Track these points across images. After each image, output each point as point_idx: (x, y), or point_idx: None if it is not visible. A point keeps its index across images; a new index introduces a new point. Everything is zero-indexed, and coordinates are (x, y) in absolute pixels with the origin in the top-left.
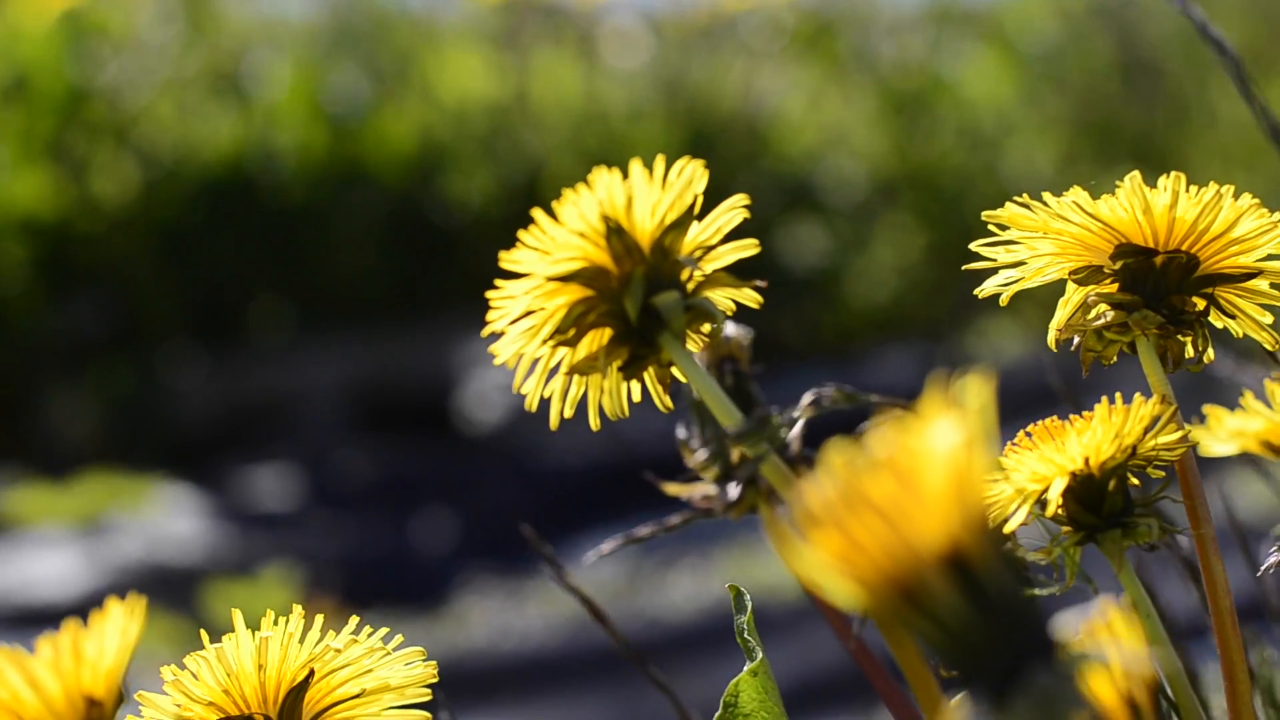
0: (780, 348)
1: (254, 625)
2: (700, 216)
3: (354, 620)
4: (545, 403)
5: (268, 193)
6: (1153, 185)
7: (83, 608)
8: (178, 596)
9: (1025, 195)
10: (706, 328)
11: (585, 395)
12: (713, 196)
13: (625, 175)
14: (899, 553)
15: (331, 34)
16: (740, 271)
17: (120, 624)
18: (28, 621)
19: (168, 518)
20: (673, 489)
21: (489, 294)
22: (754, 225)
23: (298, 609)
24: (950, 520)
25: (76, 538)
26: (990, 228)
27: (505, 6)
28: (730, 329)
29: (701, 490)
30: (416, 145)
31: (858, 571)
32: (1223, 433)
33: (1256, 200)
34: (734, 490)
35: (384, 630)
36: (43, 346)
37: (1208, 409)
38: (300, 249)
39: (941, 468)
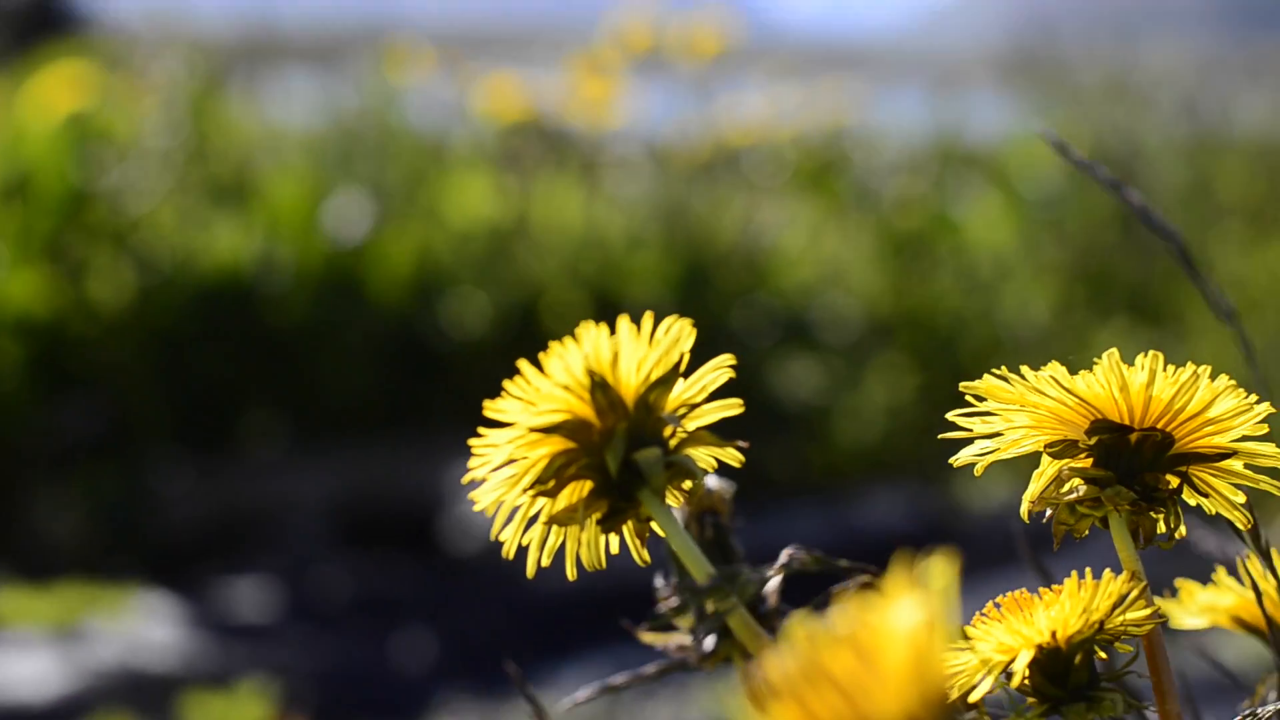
0: (770, 484)
1: None
2: (689, 371)
3: None
4: (524, 549)
5: (264, 305)
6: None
7: (56, 712)
8: (153, 705)
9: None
10: (687, 484)
11: (564, 544)
12: (709, 329)
13: (613, 330)
14: None
15: (337, 148)
16: (741, 402)
17: None
18: None
19: (146, 625)
20: (648, 638)
21: (471, 442)
22: (748, 359)
23: None
24: (908, 700)
25: (53, 641)
26: (968, 398)
27: (511, 130)
28: (713, 482)
29: (677, 640)
30: (415, 265)
31: None
32: (1194, 606)
33: (1232, 382)
34: (709, 641)
35: None
36: (30, 447)
37: (1180, 583)
38: (294, 363)
39: (902, 646)
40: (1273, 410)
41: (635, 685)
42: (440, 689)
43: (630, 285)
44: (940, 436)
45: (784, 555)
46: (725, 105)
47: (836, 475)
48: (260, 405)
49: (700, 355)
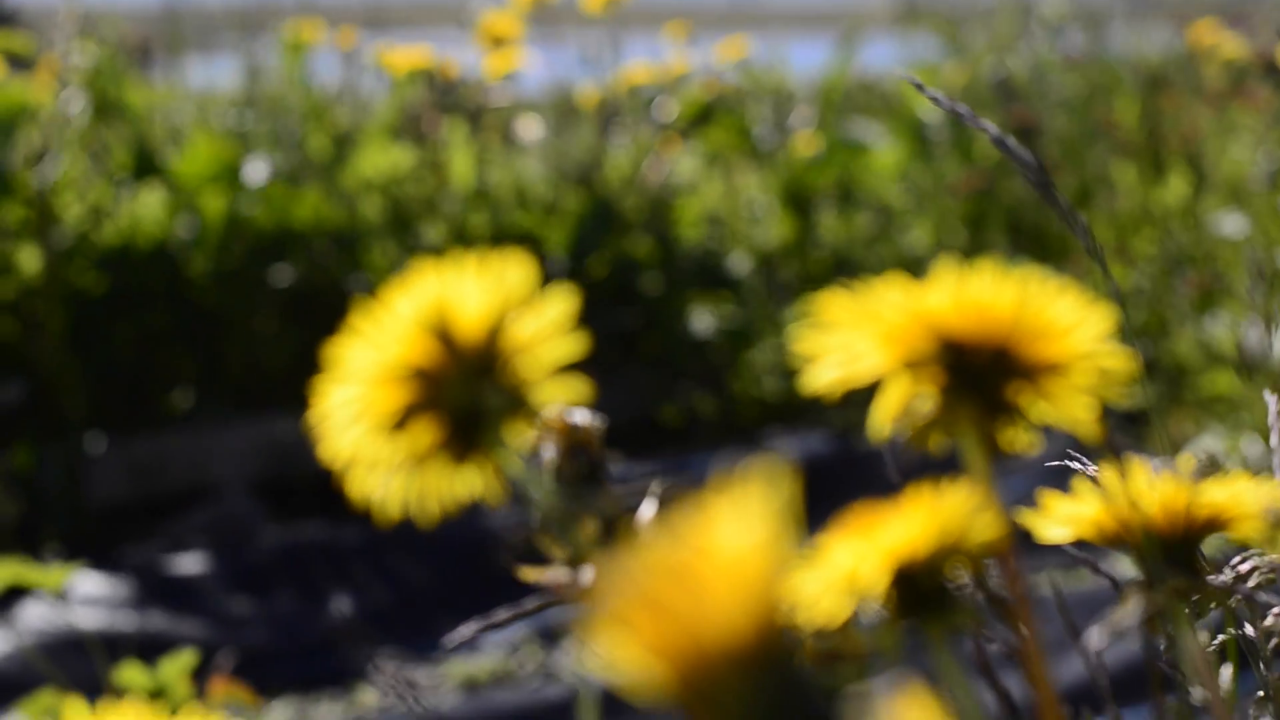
0: (696, 425)
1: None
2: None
3: (198, 713)
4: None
5: (179, 268)
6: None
7: None
8: (83, 672)
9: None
10: (535, 419)
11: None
12: (616, 275)
13: (459, 266)
14: (690, 648)
15: (247, 113)
16: (649, 351)
17: None
18: None
19: (75, 595)
20: (528, 574)
21: (312, 382)
22: (662, 303)
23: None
24: (743, 614)
25: None
26: (812, 318)
27: (418, 88)
28: (581, 417)
29: (552, 574)
30: (326, 222)
31: (649, 665)
32: (1057, 517)
33: (1074, 289)
34: (586, 575)
35: None
36: None
37: (1041, 494)
38: (213, 324)
39: (738, 560)
40: (1117, 319)
41: (518, 620)
42: (374, 646)
43: (541, 234)
44: (789, 359)
45: (641, 486)
46: (630, 61)
47: (759, 415)
48: (180, 369)
49: (612, 303)
